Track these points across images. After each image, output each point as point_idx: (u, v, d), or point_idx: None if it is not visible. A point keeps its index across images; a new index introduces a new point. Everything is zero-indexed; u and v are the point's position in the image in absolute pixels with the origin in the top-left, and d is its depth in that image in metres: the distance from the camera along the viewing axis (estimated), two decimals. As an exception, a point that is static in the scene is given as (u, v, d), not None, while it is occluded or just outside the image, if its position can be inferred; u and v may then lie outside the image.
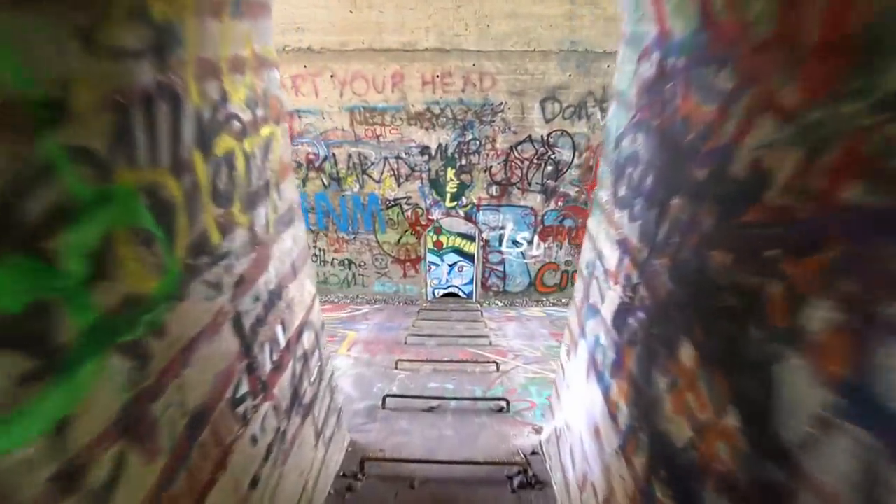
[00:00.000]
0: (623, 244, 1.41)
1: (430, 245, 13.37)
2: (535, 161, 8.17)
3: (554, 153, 8.07)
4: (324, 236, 9.24)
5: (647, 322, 1.28)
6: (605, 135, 1.65)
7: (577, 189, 8.44)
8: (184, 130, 1.25)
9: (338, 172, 8.46)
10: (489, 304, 9.61)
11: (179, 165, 1.24)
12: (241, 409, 1.44)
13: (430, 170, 8.33)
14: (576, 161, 8.14)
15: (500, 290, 9.65)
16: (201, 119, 1.32)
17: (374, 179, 8.49)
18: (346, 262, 9.54)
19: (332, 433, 2.53)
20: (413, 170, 8.34)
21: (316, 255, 9.48)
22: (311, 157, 8.32)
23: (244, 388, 1.45)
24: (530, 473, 2.54)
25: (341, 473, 2.48)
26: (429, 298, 11.36)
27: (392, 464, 2.60)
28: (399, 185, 8.53)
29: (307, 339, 2.05)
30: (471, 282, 19.63)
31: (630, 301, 1.38)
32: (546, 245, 9.08)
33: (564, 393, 2.16)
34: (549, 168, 8.24)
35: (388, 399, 3.31)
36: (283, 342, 1.73)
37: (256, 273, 1.48)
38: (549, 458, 2.66)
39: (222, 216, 1.34)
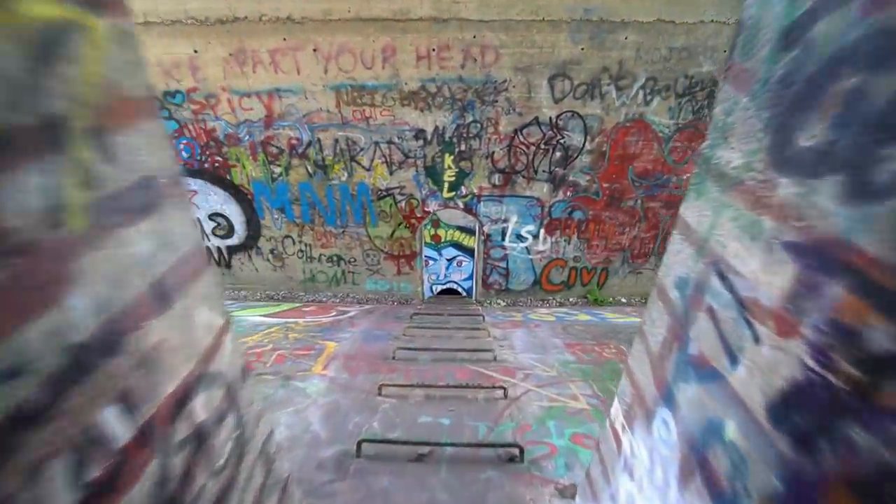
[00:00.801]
0: (815, 251, 0.65)
1: (427, 239, 12.58)
2: (541, 146, 7.35)
3: (563, 137, 7.25)
4: (310, 230, 8.44)
5: None
6: (740, 36, 0.82)
7: (587, 178, 7.63)
8: None
9: (323, 159, 7.63)
10: (490, 303, 8.85)
11: None
12: None
13: (425, 156, 7.51)
14: (587, 146, 7.32)
15: (503, 287, 8.88)
16: None
17: (363, 167, 7.67)
18: (335, 258, 8.75)
19: (269, 524, 1.75)
20: (407, 156, 7.52)
21: (302, 251, 8.69)
22: (294, 142, 7.49)
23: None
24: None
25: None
26: (426, 296, 10.59)
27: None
28: (391, 173, 7.71)
29: (205, 404, 1.24)
30: (470, 277, 18.86)
31: (836, 379, 0.63)
32: (553, 239, 8.29)
33: (622, 479, 1.39)
34: (558, 154, 7.42)
35: (364, 444, 2.55)
36: (125, 431, 0.92)
37: (21, 310, 0.69)
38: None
39: None
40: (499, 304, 8.82)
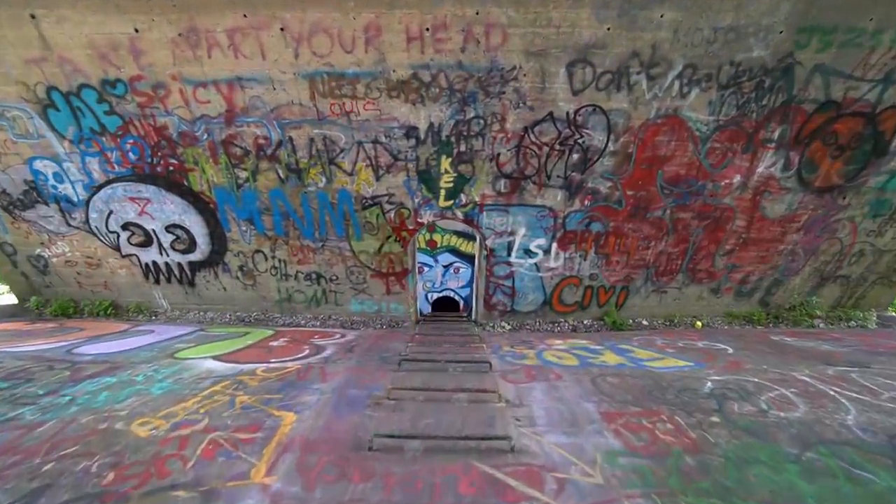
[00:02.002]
0: None
1: (421, 244, 11.47)
2: (556, 147, 6.19)
3: (582, 137, 6.09)
4: (283, 244, 7.24)
5: None
6: None
7: (609, 184, 6.48)
8: None
9: (297, 162, 6.43)
10: (494, 326, 7.70)
11: None
12: None
13: (418, 159, 6.33)
14: (610, 147, 6.17)
15: (508, 309, 7.74)
16: None
17: (344, 171, 6.48)
18: (314, 276, 7.57)
19: None
20: (396, 159, 6.34)
21: (275, 268, 7.50)
22: (261, 141, 6.28)
23: None
24: None
25: None
26: (420, 309, 9.46)
27: None
28: (378, 178, 6.52)
29: None
30: (468, 285, 17.71)
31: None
32: (567, 255, 7.15)
33: None
34: (576, 156, 6.26)
35: None
36: None
37: None
38: None
39: None
40: (503, 327, 7.69)
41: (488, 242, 7.06)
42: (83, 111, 6.11)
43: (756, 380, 4.24)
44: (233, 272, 7.62)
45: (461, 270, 17.72)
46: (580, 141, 6.13)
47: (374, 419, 3.38)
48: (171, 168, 6.58)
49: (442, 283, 17.83)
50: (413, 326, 7.74)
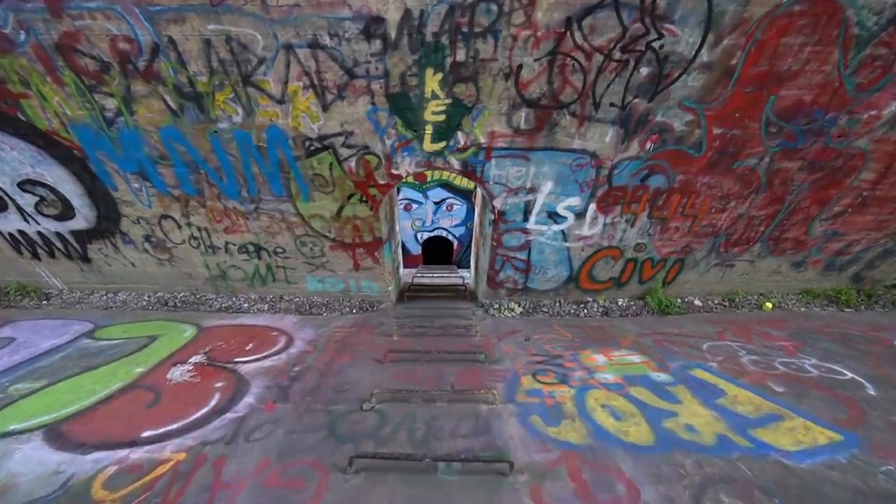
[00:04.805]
0: None
1: (408, 178, 9.21)
2: (616, 55, 3.76)
3: (661, 37, 3.65)
4: (199, 207, 4.99)
5: None
6: None
7: (689, 118, 4.16)
8: None
9: (191, 82, 3.96)
10: (500, 308, 5.80)
11: None
12: None
13: (387, 74, 3.89)
14: (704, 55, 3.75)
15: (520, 287, 5.77)
16: None
17: (271, 97, 4.05)
18: (251, 247, 5.42)
19: None
20: (352, 75, 3.89)
21: (195, 238, 5.33)
22: (123, 46, 3.75)
23: None
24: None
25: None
26: (410, 250, 7.53)
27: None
28: (326, 108, 4.12)
29: None
30: (462, 223, 15.62)
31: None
32: (608, 220, 5.02)
33: None
34: (644, 72, 3.86)
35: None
36: None
37: None
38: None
39: None
40: (512, 310, 5.78)
41: (497, 203, 4.86)
42: None
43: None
44: (138, 244, 5.43)
45: (455, 207, 15.50)
46: (656, 45, 3.69)
47: None
48: (-10, 92, 4.08)
49: (433, 221, 15.65)
50: (393, 310, 5.79)
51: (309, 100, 4.04)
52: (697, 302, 5.93)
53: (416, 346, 4.50)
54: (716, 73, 3.86)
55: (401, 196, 14.01)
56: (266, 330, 5.02)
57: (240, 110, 4.12)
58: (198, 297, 6.02)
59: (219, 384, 3.62)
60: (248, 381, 3.69)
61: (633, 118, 4.15)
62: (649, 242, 5.29)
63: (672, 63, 3.80)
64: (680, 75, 3.87)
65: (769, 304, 5.78)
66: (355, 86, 3.94)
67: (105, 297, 6.01)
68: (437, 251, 16.08)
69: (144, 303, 5.93)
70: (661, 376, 3.77)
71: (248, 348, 4.46)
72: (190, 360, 4.06)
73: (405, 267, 14.51)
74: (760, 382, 3.64)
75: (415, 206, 14.69)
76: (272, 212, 4.97)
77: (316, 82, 3.93)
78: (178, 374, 3.79)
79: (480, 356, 4.22)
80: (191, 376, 3.76)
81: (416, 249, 15.41)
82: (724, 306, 5.87)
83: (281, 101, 4.05)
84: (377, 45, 3.70)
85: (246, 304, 5.91)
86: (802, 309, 5.75)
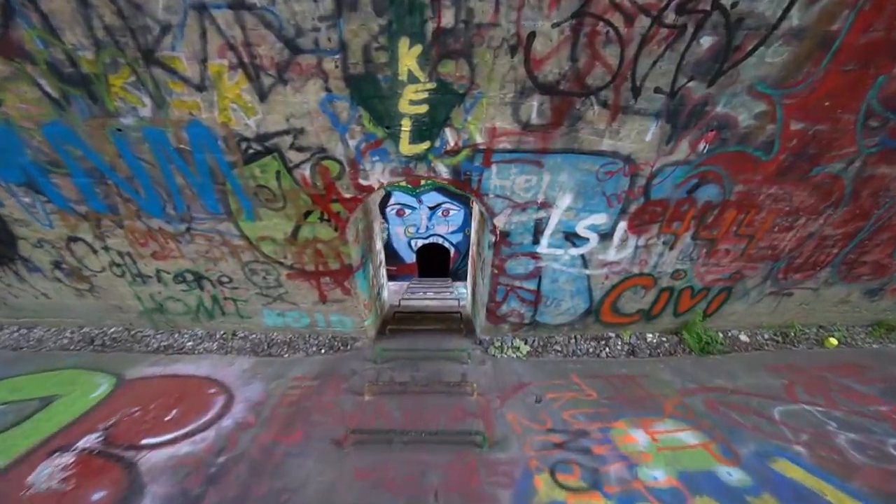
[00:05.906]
0: None
1: (400, 182, 8.16)
2: (666, 20, 2.63)
3: (731, 4, 2.53)
4: (115, 227, 3.85)
5: None
6: None
7: (761, 108, 3.04)
8: None
9: (72, 58, 2.83)
10: (502, 347, 4.69)
11: None
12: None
13: (345, 47, 2.75)
14: (794, 18, 2.63)
15: (527, 321, 4.65)
16: None
17: (185, 80, 2.91)
18: (191, 275, 4.29)
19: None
20: (295, 49, 2.76)
21: (118, 265, 4.19)
22: (-34, 4, 2.62)
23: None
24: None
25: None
26: (391, 313, 6.42)
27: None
28: (263, 96, 2.98)
29: None
30: (460, 230, 14.45)
31: None
32: (642, 242, 3.90)
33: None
34: (703, 46, 2.74)
35: None
36: None
37: None
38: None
39: None
40: (517, 349, 4.67)
41: (499, 221, 3.74)
42: None
43: None
44: (46, 272, 4.31)
45: (452, 213, 14.33)
46: (726, 1, 2.57)
47: None
48: None
49: (428, 227, 14.47)
50: (371, 348, 4.66)
51: (239, 85, 2.91)
52: (744, 337, 4.82)
53: (393, 411, 3.38)
54: (807, 43, 2.74)
55: (392, 200, 12.85)
56: (202, 385, 3.89)
57: (146, 100, 3.00)
58: (132, 333, 4.89)
59: (95, 497, 2.49)
60: (142, 487, 2.56)
61: (684, 109, 3.03)
62: (691, 268, 4.17)
63: (747, 29, 2.68)
64: (756, 47, 2.75)
65: (833, 340, 4.68)
66: (301, 64, 2.81)
67: (16, 335, 4.88)
68: (433, 259, 14.91)
69: (65, 340, 4.80)
70: (733, 473, 2.64)
71: (168, 418, 3.34)
72: (76, 445, 2.93)
73: (399, 277, 13.37)
74: (881, 489, 2.52)
75: (408, 211, 13.54)
76: (209, 233, 3.84)
77: (246, 59, 2.80)
78: (46, 474, 2.66)
79: (478, 437, 3.09)
80: (64, 478, 2.63)
81: (411, 258, 14.28)
82: (777, 342, 4.76)
83: (201, 88, 2.93)
84: (327, 3, 2.57)
85: (191, 343, 4.78)
86: (875, 346, 4.64)
